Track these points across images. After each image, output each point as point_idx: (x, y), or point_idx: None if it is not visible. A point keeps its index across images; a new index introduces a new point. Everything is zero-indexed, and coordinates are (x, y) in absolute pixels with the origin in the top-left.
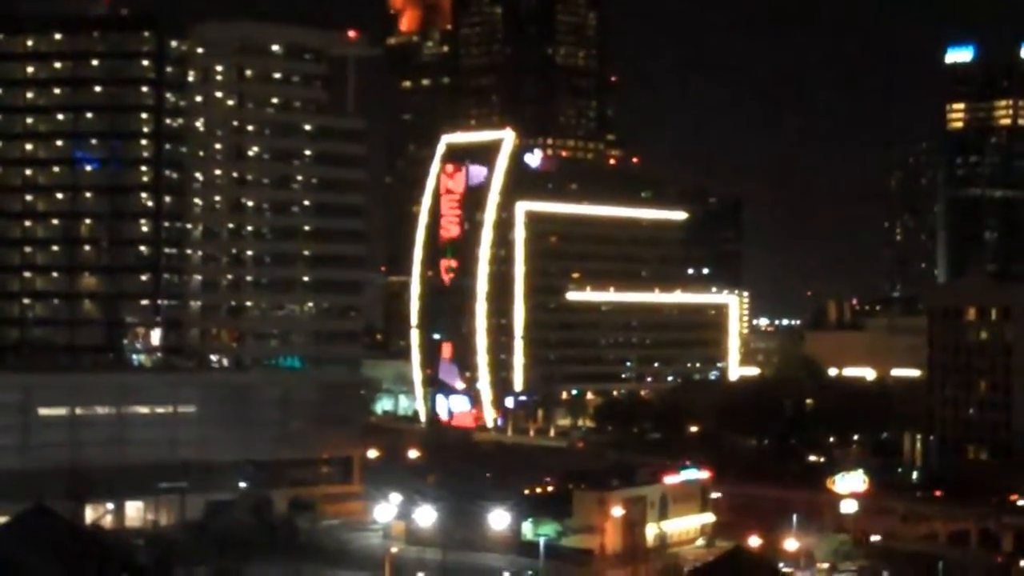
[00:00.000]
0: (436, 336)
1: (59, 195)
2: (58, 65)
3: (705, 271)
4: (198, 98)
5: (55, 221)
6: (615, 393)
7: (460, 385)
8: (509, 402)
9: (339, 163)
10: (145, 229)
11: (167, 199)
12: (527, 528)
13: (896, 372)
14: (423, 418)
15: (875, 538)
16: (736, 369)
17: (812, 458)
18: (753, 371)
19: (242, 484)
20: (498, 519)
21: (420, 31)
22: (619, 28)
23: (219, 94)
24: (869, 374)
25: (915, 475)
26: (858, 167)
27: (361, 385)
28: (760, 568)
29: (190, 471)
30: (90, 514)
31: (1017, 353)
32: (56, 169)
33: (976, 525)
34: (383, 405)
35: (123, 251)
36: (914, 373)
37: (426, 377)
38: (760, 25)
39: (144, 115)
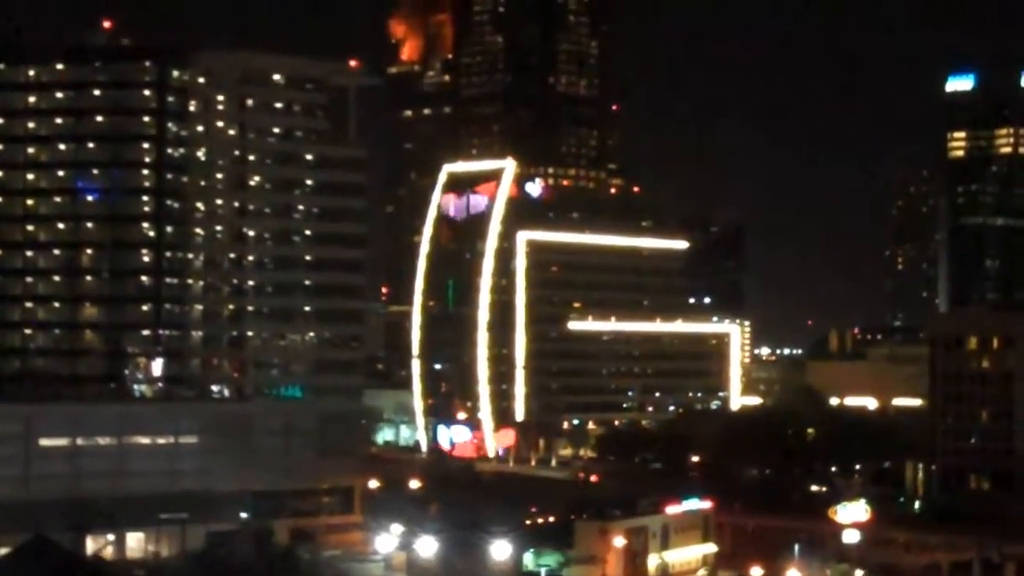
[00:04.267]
0: (437, 366)
1: (60, 225)
2: (59, 95)
3: (707, 300)
4: (199, 128)
5: (56, 251)
6: (616, 423)
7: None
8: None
9: (340, 192)
10: (146, 259)
11: (168, 229)
12: (528, 559)
13: (898, 401)
14: (424, 448)
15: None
16: (738, 399)
17: (814, 488)
18: (755, 401)
19: (243, 515)
20: (499, 550)
21: (421, 60)
22: (620, 57)
23: (220, 124)
24: (871, 403)
25: (917, 505)
26: (859, 196)
27: (362, 415)
28: None
29: (191, 502)
30: (91, 545)
31: (1019, 382)
32: (57, 199)
33: (978, 555)
34: (384, 435)
35: (124, 281)
36: (916, 402)
37: (427, 407)
38: (761, 55)
39: (145, 145)
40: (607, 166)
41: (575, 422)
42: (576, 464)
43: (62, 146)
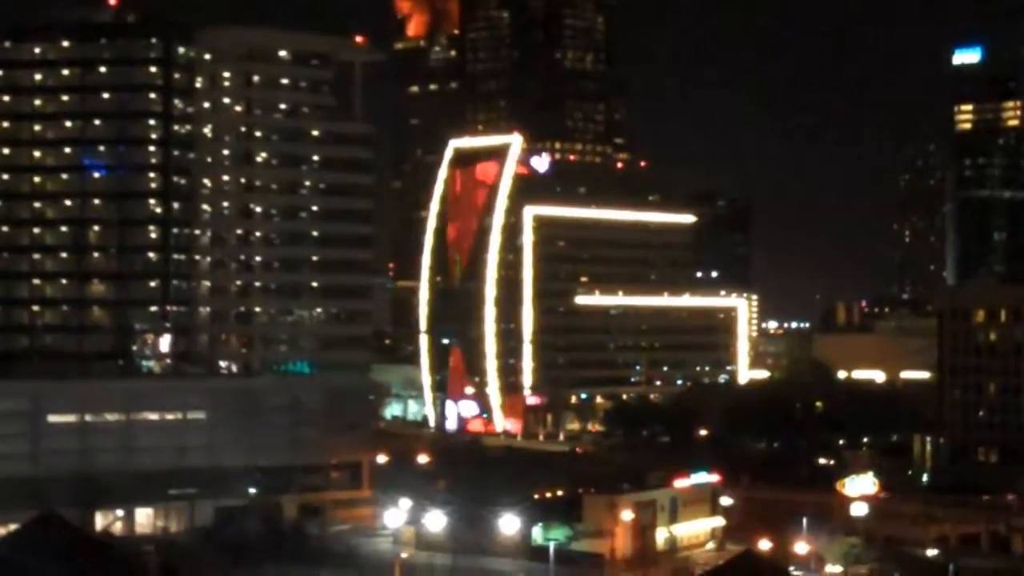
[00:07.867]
0: (445, 341)
1: (67, 202)
2: (65, 72)
3: (714, 274)
4: (205, 104)
5: (63, 228)
6: (624, 397)
7: (469, 389)
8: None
9: (347, 168)
10: (153, 235)
11: (175, 205)
12: (537, 533)
13: (905, 374)
14: (432, 423)
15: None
16: (745, 372)
17: (822, 461)
18: (762, 374)
19: (252, 490)
20: (508, 524)
21: (427, 36)
22: (626, 31)
23: (226, 100)
24: (879, 376)
25: (925, 477)
26: (866, 169)
27: (370, 390)
28: (771, 571)
29: (200, 477)
30: (100, 521)
31: None
32: (64, 176)
33: (987, 527)
34: (392, 410)
35: (132, 257)
36: (924, 375)
37: (435, 382)
38: (767, 27)
39: (152, 121)
40: (614, 141)
41: (583, 396)
42: (585, 438)
43: (68, 123)
